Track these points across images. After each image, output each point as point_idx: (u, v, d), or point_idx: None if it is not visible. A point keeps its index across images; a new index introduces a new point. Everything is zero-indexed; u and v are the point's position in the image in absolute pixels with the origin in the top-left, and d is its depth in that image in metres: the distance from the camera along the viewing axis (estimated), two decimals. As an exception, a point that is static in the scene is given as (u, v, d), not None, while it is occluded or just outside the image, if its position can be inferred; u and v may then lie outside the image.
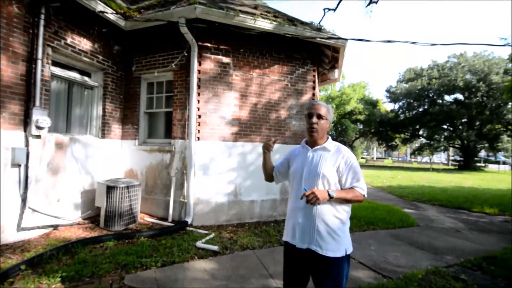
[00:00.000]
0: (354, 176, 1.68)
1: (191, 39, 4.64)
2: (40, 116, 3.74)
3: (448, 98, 28.94)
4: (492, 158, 38.44)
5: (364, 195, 1.69)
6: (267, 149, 1.93)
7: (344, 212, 1.70)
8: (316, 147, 1.76)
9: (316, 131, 1.72)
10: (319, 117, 1.72)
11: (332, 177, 1.67)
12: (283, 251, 1.86)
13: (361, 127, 35.98)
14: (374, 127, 33.28)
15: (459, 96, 28.09)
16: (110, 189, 4.23)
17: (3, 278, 2.61)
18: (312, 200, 1.53)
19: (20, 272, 2.77)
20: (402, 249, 4.07)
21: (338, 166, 1.68)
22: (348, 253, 1.68)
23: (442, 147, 30.11)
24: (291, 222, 1.75)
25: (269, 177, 2.04)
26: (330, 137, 1.82)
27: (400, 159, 47.73)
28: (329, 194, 1.58)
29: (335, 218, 1.66)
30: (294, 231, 1.70)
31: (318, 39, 5.23)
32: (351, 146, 37.87)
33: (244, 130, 5.14)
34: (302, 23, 5.31)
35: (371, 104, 33.79)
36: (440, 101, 28.71)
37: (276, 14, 5.20)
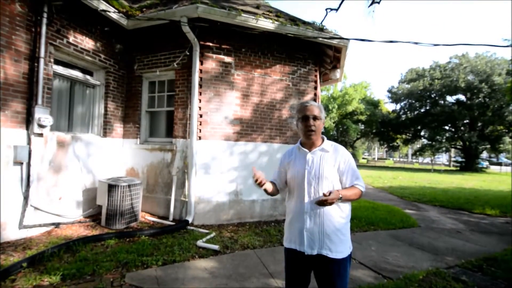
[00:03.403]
0: (353, 174, 1.71)
1: (193, 38, 4.64)
2: (42, 115, 3.76)
3: (450, 99, 28.88)
4: (494, 159, 38.19)
5: (363, 192, 1.73)
6: (260, 185, 1.66)
7: (347, 211, 1.72)
8: (314, 149, 1.74)
9: (314, 133, 1.71)
10: (315, 118, 1.71)
11: (334, 178, 1.69)
12: (286, 257, 1.80)
13: (363, 127, 35.92)
14: (375, 128, 33.22)
15: (461, 97, 28.01)
16: (111, 187, 4.25)
17: (5, 276, 2.63)
18: (329, 201, 1.52)
19: (22, 269, 2.79)
20: (403, 249, 4.06)
21: (338, 166, 1.70)
22: (351, 250, 1.72)
23: (444, 148, 30.03)
24: (296, 227, 1.69)
25: (275, 195, 1.92)
26: (325, 137, 1.81)
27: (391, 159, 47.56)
28: (339, 197, 1.60)
29: (340, 218, 1.68)
30: (302, 237, 1.65)
31: (320, 39, 5.22)
32: (352, 147, 37.83)
33: (245, 129, 5.15)
34: (304, 23, 5.30)
35: (373, 104, 33.72)
36: (442, 102, 28.61)
37: (278, 14, 5.20)
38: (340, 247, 1.64)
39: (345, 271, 1.67)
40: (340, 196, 1.59)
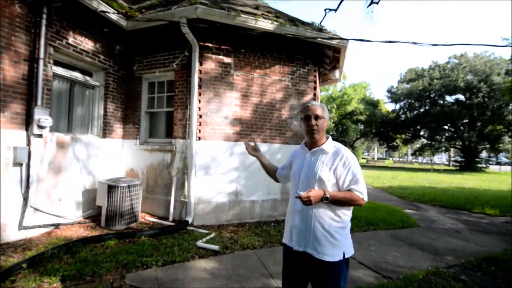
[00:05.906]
0: (352, 178, 1.61)
1: (192, 39, 4.65)
2: (42, 116, 3.76)
3: (449, 98, 28.84)
4: (494, 159, 38.18)
5: (363, 198, 1.61)
6: (254, 150, 2.12)
7: (343, 215, 1.64)
8: (314, 149, 1.72)
9: (317, 132, 1.68)
10: (317, 117, 1.68)
11: (329, 180, 1.62)
12: (283, 253, 1.85)
13: (362, 127, 35.92)
14: (375, 128, 33.21)
15: (461, 97, 27.99)
16: (111, 188, 4.25)
17: (4, 277, 2.62)
18: (306, 203, 1.51)
19: (22, 270, 2.78)
20: (403, 249, 4.07)
21: (335, 168, 1.62)
22: (347, 256, 1.63)
23: (443, 148, 30.01)
24: (289, 224, 1.77)
25: (274, 178, 2.10)
26: (330, 137, 1.75)
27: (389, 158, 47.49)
28: (325, 196, 1.53)
29: (332, 221, 1.61)
30: (292, 234, 1.71)
31: (319, 39, 5.23)
32: (352, 147, 37.84)
33: (245, 130, 5.15)
34: (303, 23, 5.31)
35: (372, 104, 33.72)
36: (441, 102, 28.61)
37: (278, 15, 5.20)
38: (330, 250, 1.58)
39: (337, 276, 1.60)
40: (326, 196, 1.53)
